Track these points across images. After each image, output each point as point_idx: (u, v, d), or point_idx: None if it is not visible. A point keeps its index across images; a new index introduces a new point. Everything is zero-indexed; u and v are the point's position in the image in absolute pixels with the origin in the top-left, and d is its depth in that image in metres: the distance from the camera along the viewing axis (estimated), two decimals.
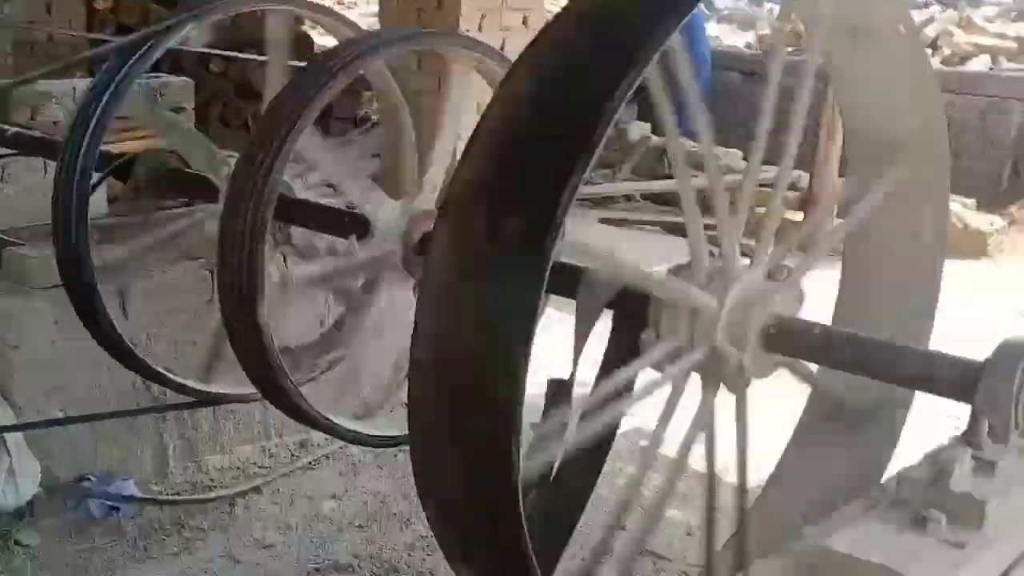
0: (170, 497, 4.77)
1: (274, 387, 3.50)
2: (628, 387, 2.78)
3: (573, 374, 3.00)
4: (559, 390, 3.02)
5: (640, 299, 2.79)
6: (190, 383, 4.37)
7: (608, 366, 3.01)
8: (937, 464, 2.20)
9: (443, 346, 2.17)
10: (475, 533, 2.35)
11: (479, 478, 2.20)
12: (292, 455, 5.25)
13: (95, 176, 4.03)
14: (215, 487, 4.91)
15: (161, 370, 4.27)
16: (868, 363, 2.46)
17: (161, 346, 4.67)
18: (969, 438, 2.25)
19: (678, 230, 6.91)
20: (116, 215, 4.66)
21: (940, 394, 2.39)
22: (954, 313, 6.74)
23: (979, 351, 2.40)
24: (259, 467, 5.12)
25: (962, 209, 9.52)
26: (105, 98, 3.81)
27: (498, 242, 2.11)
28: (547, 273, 2.03)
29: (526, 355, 2.04)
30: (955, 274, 8.17)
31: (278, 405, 3.74)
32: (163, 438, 4.88)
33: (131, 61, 3.84)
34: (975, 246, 9.32)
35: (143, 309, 4.59)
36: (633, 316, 2.80)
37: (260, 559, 4.36)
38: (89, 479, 4.62)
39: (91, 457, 4.66)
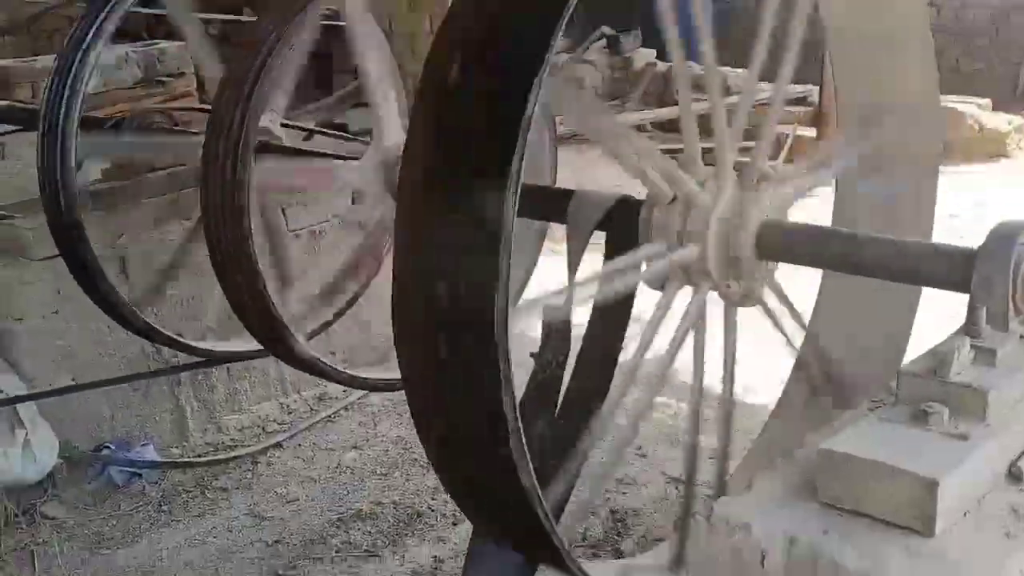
0: (191, 459, 4.77)
1: (275, 338, 3.46)
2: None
3: (570, 297, 2.96)
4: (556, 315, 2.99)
5: (630, 214, 2.73)
6: (199, 344, 4.36)
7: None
8: (937, 357, 2.14)
9: (421, 241, 2.08)
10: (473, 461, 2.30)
11: (470, 392, 2.14)
12: (311, 409, 5.25)
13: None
14: (236, 446, 4.91)
15: (169, 332, 4.24)
16: (861, 260, 2.39)
17: (166, 308, 4.64)
18: (968, 328, 2.18)
19: None
20: (109, 180, 4.61)
21: (936, 286, 2.31)
22: (971, 214, 6.69)
23: None
24: (279, 424, 5.12)
25: (977, 110, 9.32)
26: (80, 52, 3.76)
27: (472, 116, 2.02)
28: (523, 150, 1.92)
29: (507, 235, 1.93)
30: (973, 176, 8.13)
31: (283, 358, 3.71)
32: (179, 401, 4.87)
33: (102, 15, 3.78)
34: (993, 148, 9.13)
35: (144, 272, 4.56)
36: (625, 232, 2.75)
37: (284, 514, 4.36)
38: (108, 447, 4.62)
39: (108, 425, 4.66)
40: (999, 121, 9.37)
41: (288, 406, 5.23)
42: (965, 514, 1.92)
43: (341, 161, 3.69)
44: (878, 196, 3.23)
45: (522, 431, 2.09)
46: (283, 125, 3.90)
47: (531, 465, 2.13)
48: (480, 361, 2.03)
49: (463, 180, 1.99)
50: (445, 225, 1.99)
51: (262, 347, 3.77)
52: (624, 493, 4.24)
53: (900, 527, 1.88)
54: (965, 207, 6.85)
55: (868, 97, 3.18)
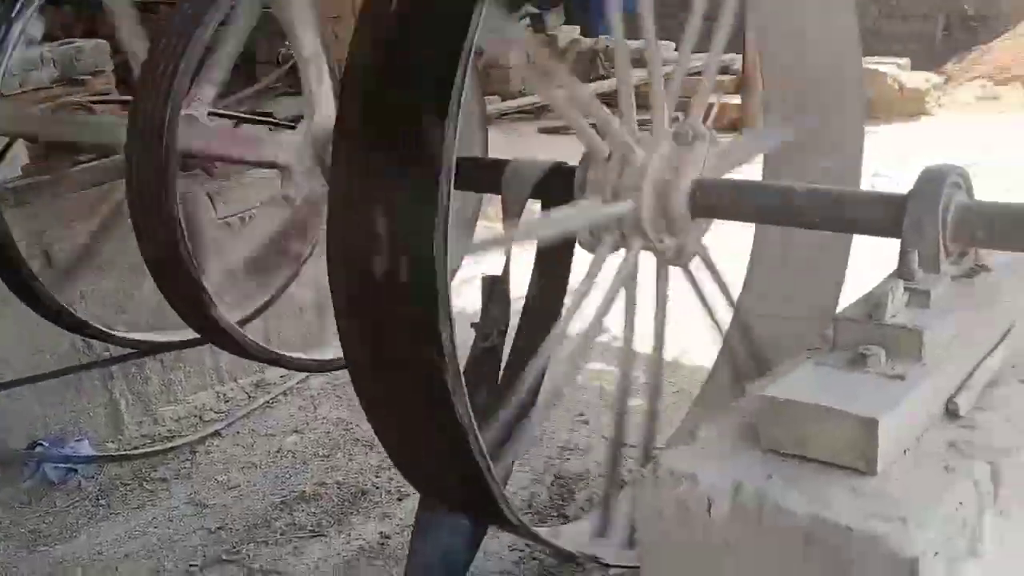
0: (128, 452, 4.70)
1: (205, 321, 3.41)
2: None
3: (507, 266, 2.95)
4: (494, 284, 2.99)
5: (565, 180, 2.75)
6: (131, 335, 4.30)
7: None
8: (871, 301, 2.16)
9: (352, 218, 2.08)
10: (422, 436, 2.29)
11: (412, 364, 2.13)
12: (249, 396, 5.20)
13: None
14: (173, 437, 4.84)
15: (99, 325, 4.18)
16: (792, 211, 2.40)
17: (96, 302, 4.56)
18: (901, 271, 2.20)
19: None
20: (29, 176, 4.52)
21: (868, 232, 2.34)
22: (895, 173, 6.77)
23: None
24: (216, 412, 5.06)
25: (897, 70, 9.45)
26: None
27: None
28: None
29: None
30: (895, 135, 8.21)
31: (216, 342, 3.67)
32: (113, 395, 4.80)
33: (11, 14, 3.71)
34: (913, 107, 9.27)
35: (72, 265, 4.47)
36: (560, 198, 2.76)
37: (226, 500, 4.31)
38: (42, 444, 4.54)
39: (41, 422, 4.58)
40: (918, 80, 9.51)
41: (225, 395, 5.17)
42: (905, 452, 1.93)
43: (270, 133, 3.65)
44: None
45: (465, 395, 2.09)
46: (211, 114, 3.84)
47: (474, 425, 2.13)
48: (421, 326, 2.03)
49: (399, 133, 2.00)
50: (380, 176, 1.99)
51: (197, 335, 3.73)
52: (568, 459, 4.26)
53: (843, 468, 1.89)
54: (888, 166, 6.94)
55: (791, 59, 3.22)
